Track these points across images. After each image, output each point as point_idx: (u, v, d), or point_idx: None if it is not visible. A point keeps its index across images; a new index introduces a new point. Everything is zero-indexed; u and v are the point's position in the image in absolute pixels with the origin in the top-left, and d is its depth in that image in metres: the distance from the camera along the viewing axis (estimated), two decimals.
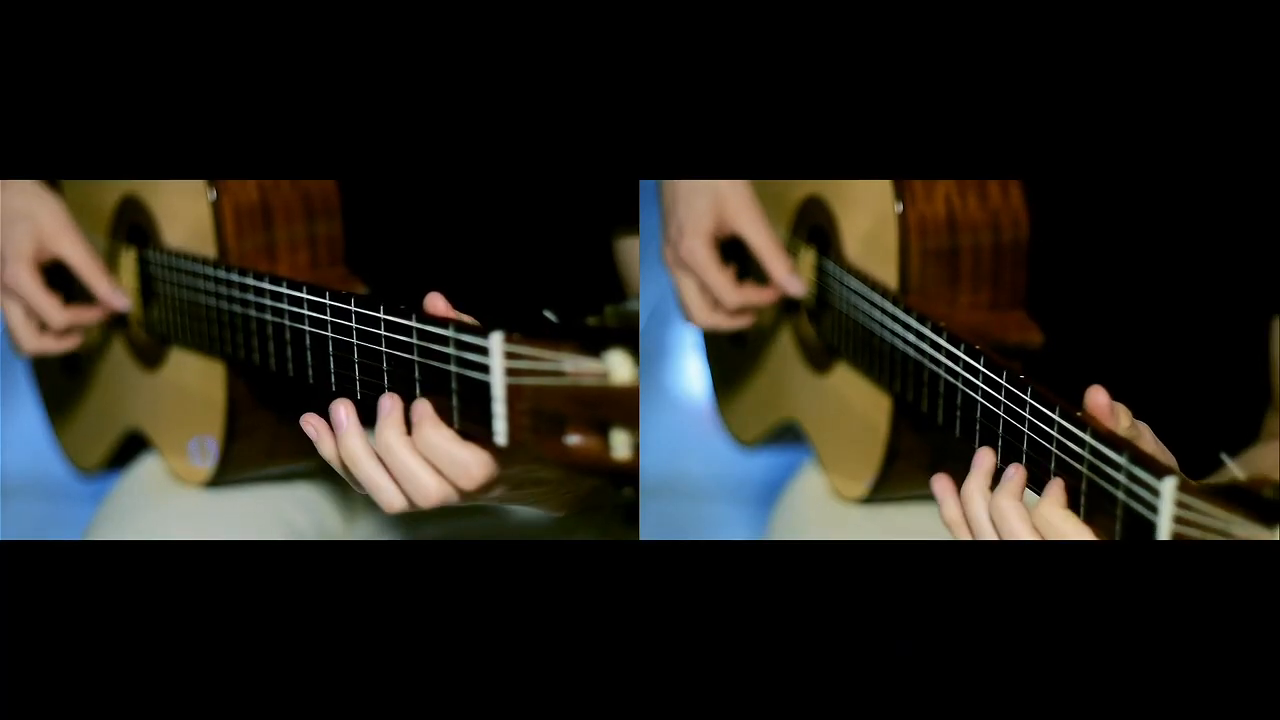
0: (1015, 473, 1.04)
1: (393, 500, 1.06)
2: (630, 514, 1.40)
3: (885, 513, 1.39)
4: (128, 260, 1.39)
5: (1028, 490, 1.07)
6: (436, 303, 1.07)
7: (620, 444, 0.92)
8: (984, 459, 1.07)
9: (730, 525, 1.84)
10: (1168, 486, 0.91)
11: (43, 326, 1.36)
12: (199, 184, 1.28)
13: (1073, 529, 1.00)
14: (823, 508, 1.43)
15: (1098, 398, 1.02)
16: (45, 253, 1.36)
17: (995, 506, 1.04)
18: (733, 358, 1.58)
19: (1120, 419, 1.02)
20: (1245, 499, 0.86)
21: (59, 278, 1.38)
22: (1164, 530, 0.91)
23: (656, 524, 1.40)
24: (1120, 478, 0.95)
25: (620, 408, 0.92)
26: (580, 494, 1.16)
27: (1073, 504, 1.00)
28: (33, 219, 1.36)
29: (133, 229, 1.37)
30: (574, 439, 0.93)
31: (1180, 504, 0.90)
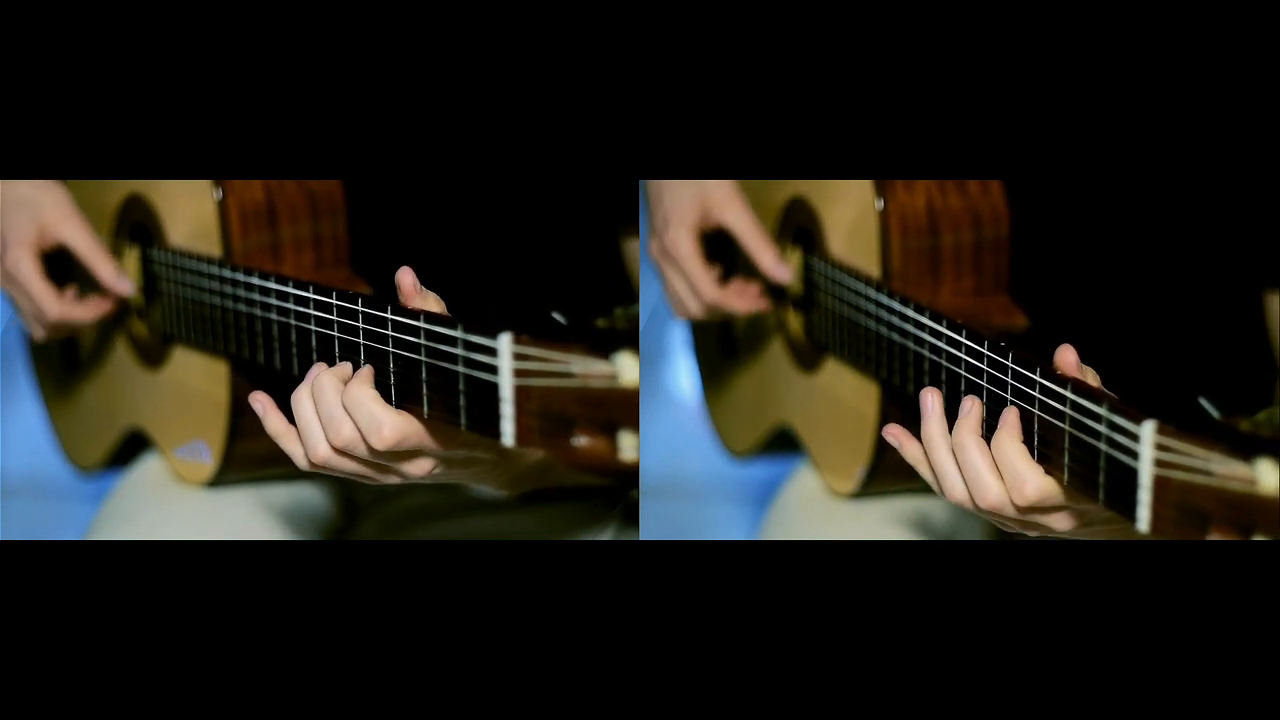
0: (971, 406, 1.07)
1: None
2: (630, 514, 1.40)
3: (879, 511, 1.39)
4: (130, 259, 1.38)
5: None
6: (404, 278, 1.07)
7: (628, 445, 0.93)
8: (972, 406, 1.08)
9: (730, 525, 1.84)
10: (1148, 429, 0.93)
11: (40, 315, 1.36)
12: (204, 183, 1.28)
13: (1024, 463, 1.02)
14: (816, 507, 1.43)
15: (1067, 356, 1.04)
16: (48, 239, 1.36)
17: (956, 441, 1.06)
18: (723, 367, 1.58)
19: (1088, 378, 1.03)
20: (1223, 435, 0.88)
21: (65, 265, 1.38)
22: (1146, 474, 0.93)
23: (656, 524, 1.40)
24: (1101, 428, 0.97)
25: (628, 409, 0.93)
26: (519, 473, 1.17)
27: (1054, 461, 1.02)
28: (35, 205, 1.36)
29: (136, 228, 1.37)
30: (582, 440, 0.94)
31: (1160, 446, 0.92)
